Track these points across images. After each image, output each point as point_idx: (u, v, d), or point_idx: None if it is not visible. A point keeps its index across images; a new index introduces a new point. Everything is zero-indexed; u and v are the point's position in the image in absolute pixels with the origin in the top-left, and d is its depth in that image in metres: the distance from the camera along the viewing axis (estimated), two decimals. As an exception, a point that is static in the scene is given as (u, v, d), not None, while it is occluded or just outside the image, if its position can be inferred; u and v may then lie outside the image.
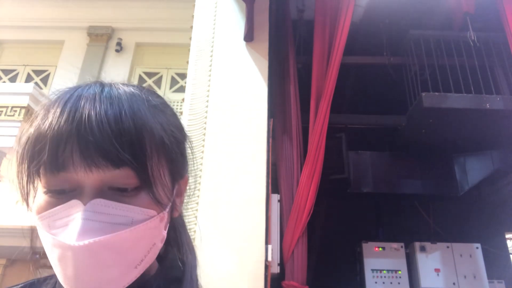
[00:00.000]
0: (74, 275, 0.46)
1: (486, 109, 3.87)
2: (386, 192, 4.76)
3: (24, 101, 4.80)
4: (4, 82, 7.16)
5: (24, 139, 0.50)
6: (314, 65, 3.75)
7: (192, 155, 0.63)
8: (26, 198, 0.52)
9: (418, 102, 4.00)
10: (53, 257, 0.48)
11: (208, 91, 3.16)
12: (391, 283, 4.49)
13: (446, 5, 4.50)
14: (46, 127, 0.48)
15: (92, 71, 7.11)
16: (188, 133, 0.63)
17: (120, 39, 7.39)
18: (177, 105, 6.67)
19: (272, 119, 3.20)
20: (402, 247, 4.69)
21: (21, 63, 7.38)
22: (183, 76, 6.95)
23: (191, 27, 3.50)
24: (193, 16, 3.55)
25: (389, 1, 4.50)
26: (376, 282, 4.50)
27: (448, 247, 4.63)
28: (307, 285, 3.20)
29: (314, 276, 4.40)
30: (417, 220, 5.22)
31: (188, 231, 0.66)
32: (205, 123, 2.98)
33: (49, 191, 0.49)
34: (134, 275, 0.50)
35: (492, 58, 4.30)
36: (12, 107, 4.77)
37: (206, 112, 3.06)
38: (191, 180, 0.65)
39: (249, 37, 3.33)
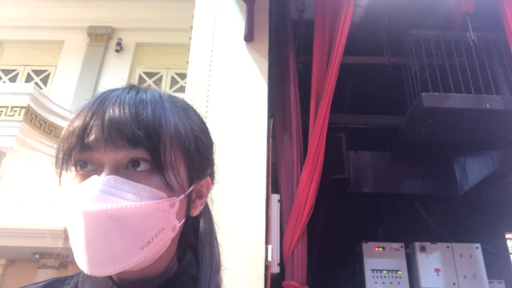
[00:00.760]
0: (85, 245, 0.50)
1: (486, 109, 3.87)
2: (386, 192, 4.76)
3: (24, 101, 4.81)
4: (4, 82, 7.16)
5: (64, 131, 0.57)
6: (314, 65, 3.75)
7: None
8: (59, 179, 0.58)
9: (418, 102, 4.01)
10: (70, 226, 0.53)
11: (208, 91, 3.16)
12: (391, 283, 4.49)
13: (446, 5, 4.50)
14: (78, 117, 0.55)
15: (92, 71, 7.12)
16: None
17: (120, 39, 7.39)
18: (177, 105, 6.66)
19: (272, 119, 3.20)
20: (402, 247, 4.69)
21: (21, 63, 7.38)
22: (183, 76, 6.96)
23: (191, 27, 3.50)
24: (193, 16, 3.56)
25: (389, 1, 4.50)
26: (376, 282, 4.50)
27: (448, 247, 4.63)
28: (307, 285, 3.21)
29: (314, 276, 4.40)
30: (417, 220, 5.22)
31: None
32: (205, 123, 2.98)
33: (77, 171, 0.55)
34: (139, 256, 0.52)
35: (492, 58, 4.30)
36: (12, 107, 4.78)
37: (206, 112, 3.06)
38: None
39: (249, 37, 3.33)
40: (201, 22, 3.49)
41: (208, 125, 0.70)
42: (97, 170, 0.54)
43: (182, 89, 6.89)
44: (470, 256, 4.58)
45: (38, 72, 7.35)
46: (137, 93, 0.57)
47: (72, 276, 0.65)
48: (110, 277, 0.58)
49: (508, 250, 5.36)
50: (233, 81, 3.21)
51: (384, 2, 4.52)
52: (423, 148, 4.74)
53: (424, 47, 4.30)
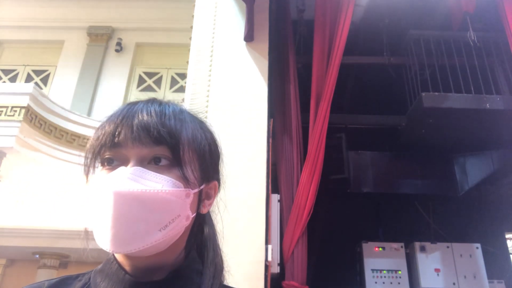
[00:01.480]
0: (111, 222, 0.56)
1: (486, 109, 3.87)
2: (386, 192, 4.76)
3: (24, 101, 4.80)
4: (4, 82, 7.16)
5: (94, 133, 0.65)
6: (314, 65, 3.74)
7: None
8: (87, 175, 0.66)
9: (418, 102, 4.01)
10: (99, 208, 0.59)
11: (208, 91, 3.16)
12: (391, 283, 4.49)
13: (446, 5, 4.50)
14: (110, 120, 0.64)
15: (92, 71, 7.12)
16: None
17: (120, 39, 7.39)
18: (177, 105, 6.66)
19: (272, 119, 3.20)
20: (402, 247, 4.69)
21: (21, 63, 7.38)
22: (183, 76, 6.95)
23: (191, 27, 3.50)
24: (193, 16, 3.56)
25: (389, 1, 4.50)
26: (376, 282, 4.50)
27: (448, 247, 4.63)
28: (307, 285, 3.20)
29: (314, 276, 4.40)
30: (417, 220, 5.22)
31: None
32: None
33: (105, 167, 0.63)
34: (158, 237, 0.59)
35: (492, 58, 4.30)
36: (12, 107, 4.77)
37: (206, 112, 3.06)
38: None
39: (249, 37, 3.33)
40: (201, 22, 3.49)
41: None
42: (123, 165, 0.61)
43: (182, 89, 6.89)
44: (470, 256, 4.58)
45: (38, 72, 7.34)
46: (160, 104, 0.66)
47: (84, 274, 0.71)
48: (122, 268, 0.64)
49: (508, 250, 5.36)
50: (233, 81, 3.21)
51: (384, 2, 4.52)
52: (423, 148, 4.74)
53: (424, 47, 4.30)
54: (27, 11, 7.48)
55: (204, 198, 0.69)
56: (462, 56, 4.17)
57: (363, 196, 4.85)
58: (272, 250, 2.76)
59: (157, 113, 0.63)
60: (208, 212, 0.74)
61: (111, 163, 0.62)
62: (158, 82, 7.18)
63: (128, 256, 0.63)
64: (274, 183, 3.41)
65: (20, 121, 4.69)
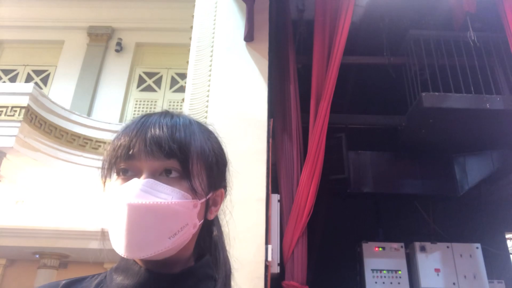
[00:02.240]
0: (125, 230, 0.61)
1: (486, 109, 3.87)
2: (386, 192, 4.76)
3: (24, 101, 4.80)
4: (4, 82, 7.16)
5: (110, 145, 0.70)
6: (314, 65, 3.74)
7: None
8: (104, 183, 0.71)
9: (418, 102, 4.01)
10: (114, 217, 0.63)
11: (208, 91, 3.16)
12: (391, 283, 4.49)
13: (446, 4, 4.50)
14: (124, 136, 0.68)
15: (92, 71, 7.12)
16: None
17: (120, 39, 7.39)
18: (177, 105, 6.67)
19: (272, 119, 3.20)
20: (402, 247, 4.69)
21: (21, 63, 7.38)
22: (183, 76, 6.95)
23: (191, 27, 3.50)
24: (193, 16, 3.55)
25: (389, 1, 4.50)
26: (376, 282, 4.50)
27: (448, 247, 4.63)
28: (307, 285, 3.21)
29: (314, 276, 4.40)
30: (417, 220, 5.22)
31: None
32: (205, 123, 2.97)
33: (120, 176, 0.68)
34: (167, 244, 0.64)
35: (492, 58, 4.30)
36: (12, 107, 4.77)
37: (206, 112, 3.06)
38: None
39: (249, 37, 3.33)
40: (201, 22, 3.49)
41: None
42: (137, 175, 0.66)
43: (182, 89, 6.89)
44: (470, 256, 4.58)
45: (38, 72, 7.34)
46: (172, 118, 0.71)
47: (100, 274, 0.75)
48: (136, 262, 0.69)
49: (508, 250, 5.36)
50: (233, 81, 3.21)
51: (384, 2, 4.52)
52: (423, 148, 4.74)
53: (424, 47, 4.30)
54: (27, 11, 7.48)
55: (211, 205, 0.74)
56: (462, 56, 4.17)
57: (363, 196, 4.85)
58: (272, 250, 2.77)
59: (168, 128, 0.68)
60: (217, 217, 0.80)
61: (126, 173, 0.67)
62: (158, 82, 7.18)
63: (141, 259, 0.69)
64: (274, 183, 3.41)
65: (20, 121, 4.69)
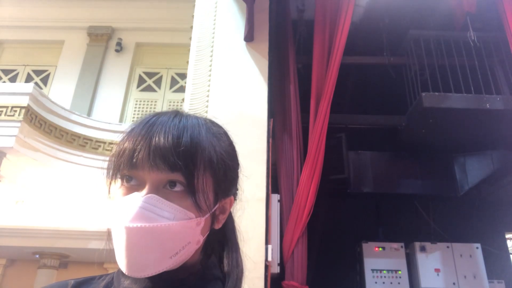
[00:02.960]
0: (125, 252, 0.60)
1: (486, 109, 3.87)
2: (386, 192, 4.76)
3: (24, 101, 4.80)
4: (4, 82, 7.16)
5: (115, 148, 0.68)
6: (314, 65, 3.75)
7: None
8: (108, 188, 0.69)
9: (418, 102, 4.00)
10: (115, 235, 0.62)
11: (208, 91, 3.16)
12: (391, 283, 4.49)
13: (446, 5, 4.50)
14: (129, 140, 0.65)
15: (92, 71, 7.12)
16: None
17: (120, 39, 7.39)
18: (177, 105, 6.67)
19: (272, 119, 3.20)
20: (402, 247, 4.69)
21: (21, 63, 7.38)
22: (183, 76, 6.95)
23: (191, 27, 3.50)
24: (193, 16, 3.55)
25: (389, 1, 4.50)
26: (376, 282, 4.50)
27: (448, 247, 4.63)
28: (307, 285, 3.21)
29: (314, 276, 4.40)
30: (417, 220, 5.22)
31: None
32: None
33: (123, 184, 0.66)
34: (168, 264, 0.62)
35: (492, 58, 4.30)
36: (12, 107, 4.77)
37: (206, 112, 3.06)
38: None
39: (249, 37, 3.33)
40: (201, 22, 3.49)
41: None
42: (140, 185, 0.64)
43: (182, 89, 6.89)
44: (470, 256, 4.58)
45: (38, 72, 7.34)
46: (180, 122, 0.67)
47: (107, 274, 0.74)
48: None
49: (508, 250, 5.36)
50: (233, 81, 3.21)
51: (384, 2, 4.52)
52: (423, 148, 4.74)
53: (424, 47, 4.30)
54: (27, 11, 7.48)
55: (218, 214, 0.71)
56: (462, 56, 4.17)
57: (363, 196, 4.85)
58: (272, 250, 2.77)
59: (174, 137, 0.64)
60: (231, 216, 0.77)
61: (130, 181, 0.65)
62: (158, 82, 7.18)
63: None
64: (274, 183, 3.41)
65: (20, 121, 4.69)
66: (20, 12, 7.47)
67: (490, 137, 4.42)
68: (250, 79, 3.21)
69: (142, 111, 6.82)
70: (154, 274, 0.61)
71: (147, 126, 0.66)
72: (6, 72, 7.35)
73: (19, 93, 4.88)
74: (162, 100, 6.96)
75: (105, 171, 0.68)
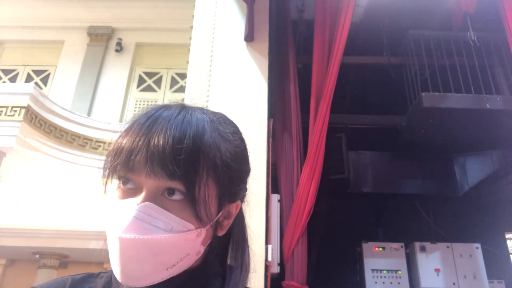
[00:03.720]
0: (119, 262, 0.57)
1: (486, 109, 3.87)
2: (386, 192, 4.76)
3: (24, 101, 4.80)
4: (4, 82, 7.16)
5: (113, 144, 0.63)
6: (314, 65, 3.75)
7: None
8: (104, 187, 0.64)
9: (418, 102, 4.01)
10: (109, 243, 0.59)
11: (208, 91, 3.16)
12: (391, 283, 4.49)
13: (446, 5, 4.50)
14: (127, 139, 0.60)
15: (92, 71, 7.12)
16: None
17: (120, 39, 7.39)
18: (177, 105, 6.65)
19: (272, 119, 3.20)
20: (402, 247, 4.69)
21: (21, 63, 7.38)
22: (183, 76, 6.95)
23: (191, 27, 3.50)
24: (193, 16, 3.55)
25: (389, 1, 4.50)
26: (376, 282, 4.50)
27: (448, 247, 4.63)
28: (307, 285, 3.21)
29: (314, 276, 4.40)
30: (417, 220, 5.22)
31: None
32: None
33: (119, 186, 0.61)
34: (164, 275, 0.59)
35: (492, 58, 4.30)
36: (12, 107, 4.77)
37: (206, 112, 3.06)
38: None
39: (249, 37, 3.33)
40: (201, 22, 3.49)
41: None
42: (137, 189, 0.59)
43: (182, 89, 6.89)
44: (470, 256, 4.58)
45: (38, 72, 7.34)
46: (183, 120, 0.60)
47: (105, 272, 0.71)
48: None
49: (508, 250, 5.36)
50: (233, 81, 3.21)
51: (384, 2, 4.52)
52: (423, 148, 4.74)
53: (424, 47, 4.30)
54: (27, 11, 7.48)
55: (222, 220, 0.66)
56: (462, 56, 4.17)
57: (363, 196, 4.85)
58: (272, 250, 2.76)
59: (174, 140, 0.57)
60: (241, 212, 0.72)
61: (126, 183, 0.60)
62: (158, 82, 7.18)
63: None
64: (274, 183, 3.41)
65: (20, 121, 4.69)
66: (20, 12, 7.47)
67: (490, 137, 4.42)
68: (250, 79, 3.21)
69: (142, 111, 6.81)
70: (149, 284, 0.58)
71: (148, 123, 0.60)
72: (6, 72, 7.35)
73: (19, 93, 4.88)
74: (162, 100, 6.96)
75: (102, 168, 0.64)
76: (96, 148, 5.31)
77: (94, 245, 5.02)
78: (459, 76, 4.02)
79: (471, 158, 4.74)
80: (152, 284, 0.58)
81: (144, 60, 7.45)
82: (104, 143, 5.33)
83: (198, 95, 3.13)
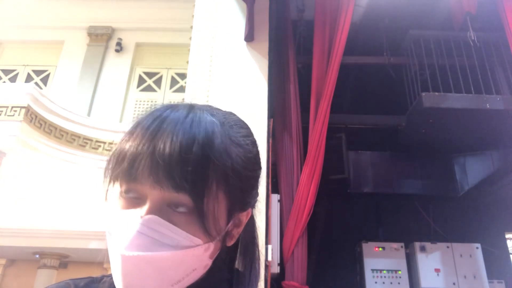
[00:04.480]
0: (121, 278, 0.53)
1: (486, 109, 3.87)
2: (386, 192, 4.76)
3: (24, 101, 4.80)
4: (4, 82, 7.16)
5: (115, 147, 0.58)
6: (314, 65, 3.75)
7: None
8: (105, 193, 0.60)
9: (418, 102, 4.00)
10: (111, 257, 0.55)
11: (208, 91, 3.16)
12: (391, 283, 4.49)
13: (446, 5, 4.50)
14: (130, 143, 0.55)
15: (92, 71, 7.12)
16: None
17: (120, 39, 7.39)
18: (177, 105, 6.65)
19: (272, 119, 3.20)
20: (402, 247, 4.69)
21: (21, 63, 7.38)
22: (183, 76, 6.95)
23: (191, 27, 3.50)
24: (193, 16, 3.55)
25: (389, 1, 4.50)
26: (376, 282, 4.50)
27: (448, 247, 4.63)
28: (307, 285, 3.21)
29: (314, 276, 4.40)
30: (417, 220, 5.22)
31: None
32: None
33: (122, 194, 0.57)
34: None
35: (492, 58, 4.30)
36: (12, 107, 4.77)
37: (206, 112, 3.06)
38: None
39: (249, 37, 3.33)
40: (201, 22, 3.49)
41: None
42: (140, 199, 0.55)
43: (182, 89, 6.89)
44: (470, 256, 4.58)
45: (38, 72, 7.34)
46: (191, 124, 0.55)
47: (108, 276, 0.67)
48: None
49: (508, 250, 5.36)
50: (233, 81, 3.21)
51: (384, 2, 4.52)
52: (423, 148, 4.74)
53: (424, 47, 4.30)
54: (27, 11, 7.48)
55: (232, 229, 0.61)
56: (462, 56, 4.17)
57: (363, 196, 4.85)
58: (272, 250, 2.76)
59: (182, 149, 0.52)
60: (252, 218, 0.68)
61: (128, 192, 0.56)
62: (158, 82, 7.18)
63: None
64: (274, 183, 3.41)
65: (20, 121, 4.69)
66: (20, 12, 7.47)
67: (490, 137, 4.42)
68: (250, 79, 3.21)
69: (142, 111, 6.81)
70: None
71: (154, 127, 0.55)
72: (6, 72, 7.35)
73: (19, 93, 4.88)
74: (162, 100, 6.96)
75: (103, 170, 0.60)
76: (96, 148, 5.31)
77: (94, 245, 5.02)
78: (459, 76, 4.02)
79: (471, 158, 4.74)
80: None
81: (144, 60, 7.45)
82: (104, 143, 5.33)
83: (198, 95, 3.13)
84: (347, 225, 5.11)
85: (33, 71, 7.34)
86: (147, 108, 0.63)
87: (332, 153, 4.23)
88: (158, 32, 7.36)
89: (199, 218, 0.54)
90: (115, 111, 6.76)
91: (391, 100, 4.69)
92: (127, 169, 0.54)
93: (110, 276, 0.65)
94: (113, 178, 0.57)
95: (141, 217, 0.53)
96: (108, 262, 0.58)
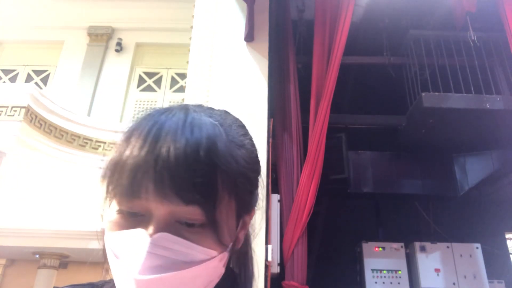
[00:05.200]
0: None
1: (486, 109, 3.87)
2: (386, 192, 4.76)
3: (24, 101, 4.80)
4: (4, 82, 7.16)
5: (109, 159, 0.53)
6: (314, 65, 3.75)
7: (262, 189, 0.64)
8: (101, 210, 0.55)
9: (418, 102, 4.01)
10: (119, 281, 0.50)
11: (208, 91, 3.16)
12: (391, 283, 4.49)
13: (446, 4, 4.50)
14: (128, 153, 0.50)
15: (92, 71, 7.12)
16: None
17: (120, 39, 7.39)
18: (177, 105, 6.65)
19: (272, 119, 3.20)
20: (402, 247, 4.69)
21: (21, 63, 7.38)
22: (183, 76, 6.95)
23: (191, 27, 3.50)
24: (193, 16, 3.55)
25: (389, 1, 4.50)
26: (376, 282, 4.50)
27: (448, 247, 4.63)
28: (307, 285, 3.21)
29: (314, 276, 4.40)
30: (417, 220, 5.22)
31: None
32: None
33: (121, 211, 0.51)
34: None
35: (492, 58, 4.30)
36: (12, 107, 4.77)
37: (206, 112, 3.06)
38: None
39: (249, 37, 3.33)
40: (201, 22, 3.49)
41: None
42: (145, 217, 0.50)
43: (182, 89, 6.89)
44: (470, 256, 4.58)
45: (38, 72, 7.34)
46: (192, 130, 0.51)
47: (108, 281, 0.64)
48: None
49: (508, 250, 5.36)
50: (233, 81, 3.21)
51: (384, 2, 4.52)
52: (423, 148, 4.74)
53: (424, 47, 4.30)
54: (27, 11, 7.48)
55: (239, 231, 0.58)
56: (462, 56, 4.17)
57: (363, 196, 4.85)
58: (272, 250, 2.76)
59: (187, 156, 0.48)
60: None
61: (130, 210, 0.51)
62: (158, 82, 7.18)
63: None
64: (274, 183, 3.41)
65: (20, 121, 4.69)
66: (20, 12, 7.47)
67: (490, 137, 4.42)
68: (250, 79, 3.21)
69: (142, 111, 6.81)
70: None
71: (153, 134, 0.50)
72: (6, 72, 7.35)
73: (19, 93, 4.88)
74: (162, 100, 6.96)
75: (100, 179, 0.54)
76: (96, 148, 5.31)
77: (94, 245, 5.01)
78: (459, 76, 4.02)
79: (471, 158, 4.74)
80: None
81: (144, 60, 7.45)
82: (104, 143, 5.33)
83: (198, 95, 3.13)
84: (347, 225, 5.11)
85: (33, 71, 7.34)
86: (145, 109, 0.59)
87: (332, 153, 4.23)
88: (158, 32, 7.36)
89: (212, 229, 0.50)
90: (115, 111, 6.76)
91: (391, 100, 4.69)
92: (128, 185, 0.49)
93: (110, 282, 0.62)
94: (111, 196, 0.51)
95: (150, 235, 0.48)
96: (108, 262, 0.54)
